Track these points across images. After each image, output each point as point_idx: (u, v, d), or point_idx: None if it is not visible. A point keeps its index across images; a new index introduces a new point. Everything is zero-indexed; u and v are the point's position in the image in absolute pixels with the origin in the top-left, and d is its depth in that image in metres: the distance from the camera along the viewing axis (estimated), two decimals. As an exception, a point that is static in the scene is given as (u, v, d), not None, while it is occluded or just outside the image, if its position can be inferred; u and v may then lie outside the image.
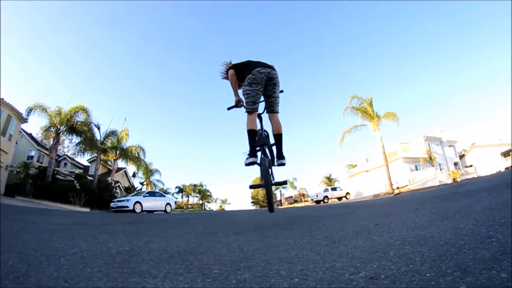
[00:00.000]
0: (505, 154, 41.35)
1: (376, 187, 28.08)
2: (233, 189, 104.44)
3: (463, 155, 39.63)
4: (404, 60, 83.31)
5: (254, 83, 2.53)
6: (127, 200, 15.30)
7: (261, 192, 49.43)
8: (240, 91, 2.73)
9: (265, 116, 2.76)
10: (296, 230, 2.32)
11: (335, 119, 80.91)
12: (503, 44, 65.45)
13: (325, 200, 26.96)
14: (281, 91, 2.78)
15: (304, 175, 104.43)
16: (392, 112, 20.33)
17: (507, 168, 38.45)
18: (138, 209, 14.99)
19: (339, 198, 27.49)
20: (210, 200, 56.62)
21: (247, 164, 2.52)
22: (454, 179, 26.70)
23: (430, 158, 29.85)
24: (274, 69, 2.63)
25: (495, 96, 74.89)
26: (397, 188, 24.21)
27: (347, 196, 28.00)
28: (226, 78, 2.87)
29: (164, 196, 18.59)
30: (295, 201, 47.94)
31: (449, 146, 36.11)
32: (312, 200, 28.68)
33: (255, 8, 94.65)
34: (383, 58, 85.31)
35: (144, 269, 1.25)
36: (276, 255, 1.42)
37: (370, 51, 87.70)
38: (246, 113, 2.58)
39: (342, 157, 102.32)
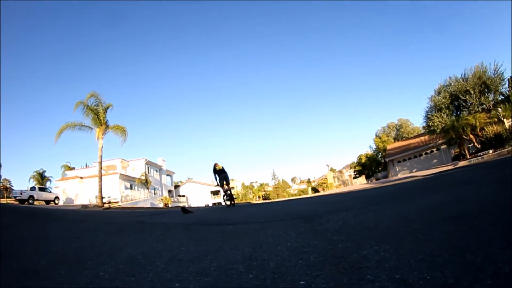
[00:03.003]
0: (214, 193, 54.89)
1: (88, 196, 28.68)
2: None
3: (179, 186, 52.70)
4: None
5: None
6: None
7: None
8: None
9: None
10: None
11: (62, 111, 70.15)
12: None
13: (30, 201, 23.43)
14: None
15: (13, 163, 70.05)
16: (122, 127, 19.39)
17: (214, 204, 49.64)
18: None
19: (47, 202, 25.22)
20: None
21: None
22: (165, 204, 28.75)
23: (146, 180, 33.38)
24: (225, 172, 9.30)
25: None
26: (108, 202, 25.05)
27: (56, 201, 26.25)
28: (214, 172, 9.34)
29: None
30: (-6, 194, 36.09)
31: (167, 175, 43.95)
32: (15, 198, 23.62)
33: None
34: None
35: None
36: None
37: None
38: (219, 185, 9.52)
39: (62, 153, 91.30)
